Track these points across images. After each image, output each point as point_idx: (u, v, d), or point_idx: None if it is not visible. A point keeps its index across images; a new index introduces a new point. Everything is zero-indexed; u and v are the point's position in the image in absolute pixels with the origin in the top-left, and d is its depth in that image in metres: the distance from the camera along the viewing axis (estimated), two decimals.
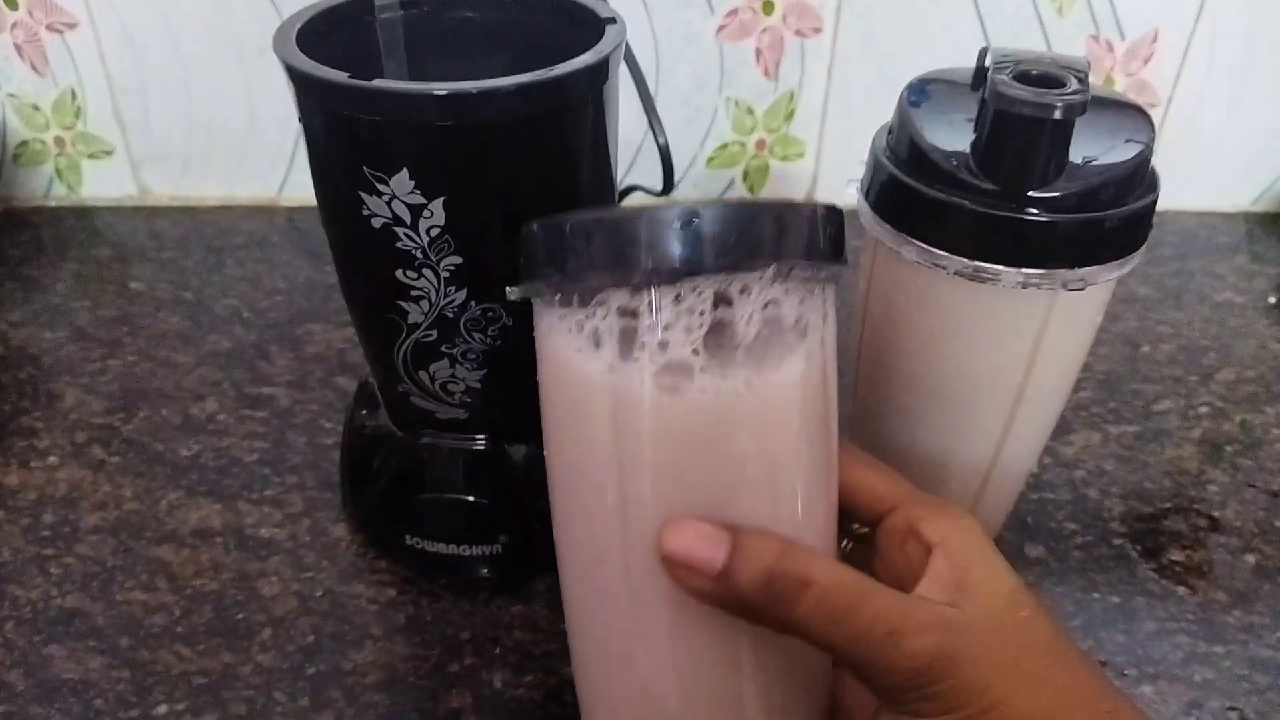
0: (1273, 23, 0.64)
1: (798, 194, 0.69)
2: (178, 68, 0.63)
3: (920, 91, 0.37)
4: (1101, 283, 0.34)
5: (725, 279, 0.24)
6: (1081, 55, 0.33)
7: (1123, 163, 0.33)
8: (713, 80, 0.65)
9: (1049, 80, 0.32)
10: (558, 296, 0.26)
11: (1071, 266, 0.33)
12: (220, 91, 0.64)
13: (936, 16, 0.63)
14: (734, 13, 0.62)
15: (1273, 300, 0.62)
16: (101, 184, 0.67)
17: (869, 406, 0.41)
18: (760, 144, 0.67)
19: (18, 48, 0.62)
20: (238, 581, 0.41)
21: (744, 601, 0.25)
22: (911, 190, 0.34)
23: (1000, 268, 0.33)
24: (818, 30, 0.63)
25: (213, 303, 0.58)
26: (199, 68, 0.63)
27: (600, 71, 0.33)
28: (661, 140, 0.49)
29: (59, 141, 0.66)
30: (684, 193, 0.69)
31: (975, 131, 0.34)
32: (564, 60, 0.32)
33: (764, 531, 0.26)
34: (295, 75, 0.31)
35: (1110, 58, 0.65)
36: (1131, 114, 0.35)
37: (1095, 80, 0.65)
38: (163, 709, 0.36)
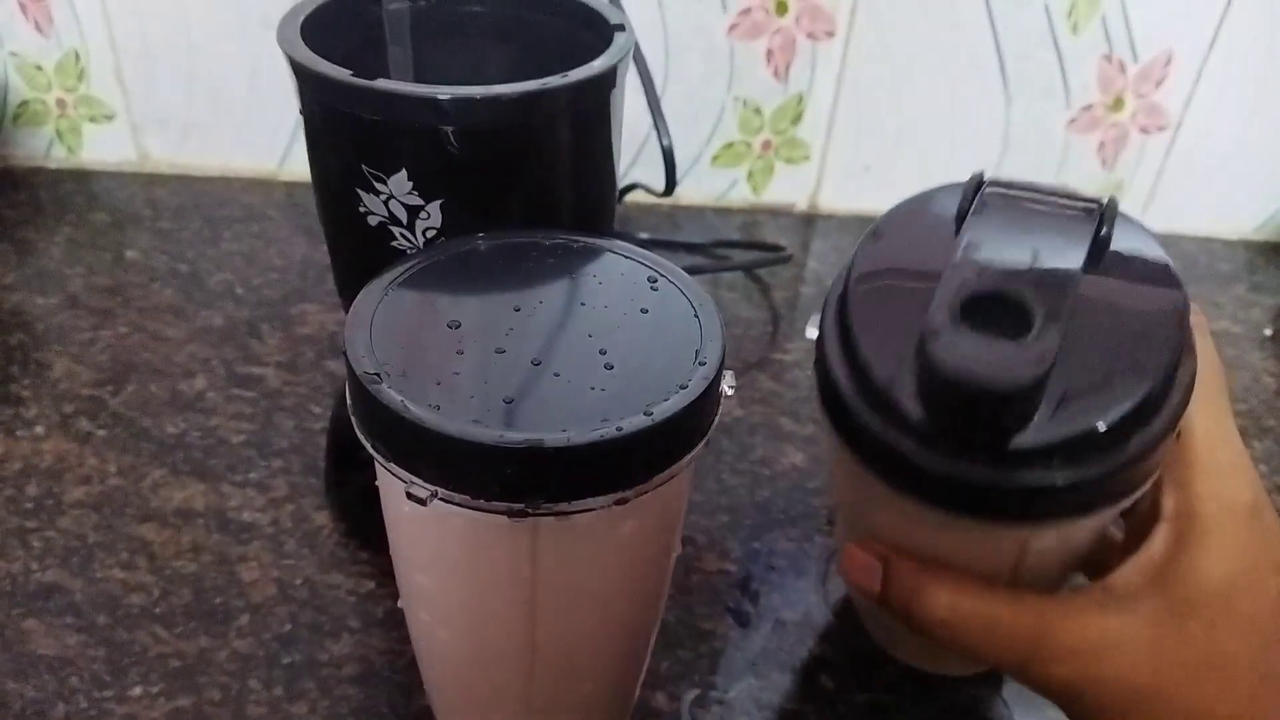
0: None
1: (800, 196, 0.69)
2: (182, 34, 0.62)
3: (886, 237, 0.30)
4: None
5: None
6: (1103, 196, 0.27)
7: (1107, 411, 0.25)
8: (722, 78, 0.64)
9: (1010, 307, 0.25)
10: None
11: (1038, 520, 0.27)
12: (224, 60, 0.63)
13: (950, 27, 0.62)
14: (747, 11, 0.62)
15: (1268, 333, 0.62)
16: (101, 148, 0.67)
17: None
18: (766, 145, 0.67)
19: (22, 6, 0.61)
20: (218, 565, 0.41)
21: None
22: (849, 404, 0.28)
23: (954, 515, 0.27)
24: (830, 34, 0.63)
25: (207, 277, 0.58)
26: (203, 35, 0.62)
27: (608, 79, 0.32)
28: (666, 143, 0.49)
29: (60, 103, 0.65)
30: (687, 191, 0.68)
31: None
32: (568, 58, 0.31)
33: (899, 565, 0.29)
34: (297, 68, 0.31)
35: (1122, 79, 0.64)
36: (1158, 297, 0.27)
37: (1105, 100, 0.65)
38: (138, 690, 0.36)
